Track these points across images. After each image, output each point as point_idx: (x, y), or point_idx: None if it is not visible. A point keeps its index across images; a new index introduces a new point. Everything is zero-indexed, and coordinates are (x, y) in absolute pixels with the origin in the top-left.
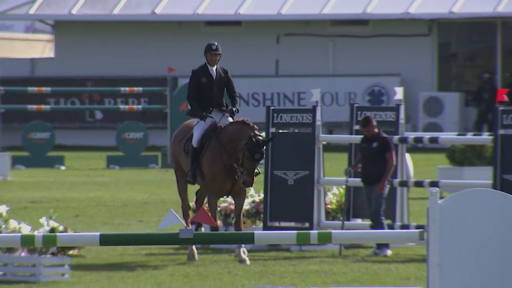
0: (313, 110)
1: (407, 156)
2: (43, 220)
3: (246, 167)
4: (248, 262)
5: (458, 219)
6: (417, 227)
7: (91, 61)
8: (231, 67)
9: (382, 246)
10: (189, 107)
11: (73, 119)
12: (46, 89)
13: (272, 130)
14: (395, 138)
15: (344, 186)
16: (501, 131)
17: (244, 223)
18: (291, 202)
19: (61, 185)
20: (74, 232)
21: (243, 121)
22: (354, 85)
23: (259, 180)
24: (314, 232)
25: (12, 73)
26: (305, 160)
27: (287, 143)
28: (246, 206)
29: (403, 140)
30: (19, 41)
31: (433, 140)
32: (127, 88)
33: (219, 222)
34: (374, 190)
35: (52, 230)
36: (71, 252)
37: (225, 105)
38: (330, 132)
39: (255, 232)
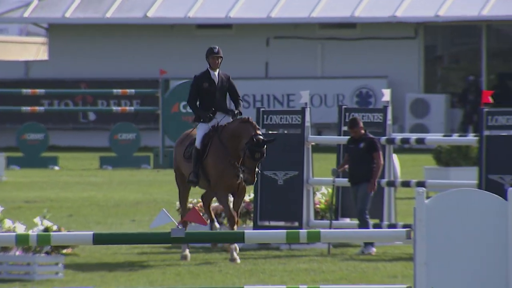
0: (302, 112)
1: (394, 157)
2: (37, 219)
3: (247, 166)
4: (238, 261)
5: (444, 218)
6: (404, 226)
7: (84, 64)
8: (222, 69)
9: (367, 244)
10: (193, 113)
11: (66, 120)
12: (40, 91)
13: (262, 131)
14: (383, 139)
15: (332, 186)
16: (486, 132)
17: (237, 222)
18: (281, 202)
19: (55, 185)
20: (68, 231)
21: (244, 119)
22: (342, 87)
23: None
24: (303, 231)
25: (6, 75)
26: (294, 160)
27: (276, 144)
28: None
29: (390, 141)
30: (13, 43)
31: (420, 141)
32: (119, 90)
33: (214, 222)
34: (360, 189)
35: (46, 229)
36: (65, 251)
37: (227, 109)
38: (319, 133)
39: (245, 231)
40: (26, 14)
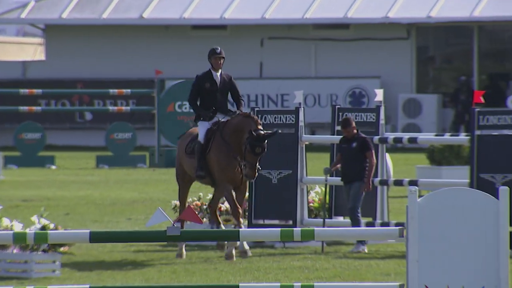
0: (296, 111)
1: (387, 156)
2: (34, 218)
3: (248, 161)
4: (250, 253)
5: (437, 216)
6: (397, 224)
7: (81, 64)
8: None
9: (358, 243)
10: (194, 112)
11: (63, 120)
12: (37, 91)
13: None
14: (376, 138)
15: (326, 186)
16: (478, 132)
17: (229, 221)
18: (275, 201)
19: (52, 184)
20: (65, 229)
21: (246, 114)
22: (335, 87)
23: None
24: (297, 229)
25: (4, 75)
26: (288, 159)
27: (271, 143)
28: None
29: (383, 140)
30: (11, 44)
31: (412, 140)
32: (115, 90)
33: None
34: (353, 188)
35: (43, 227)
36: (61, 249)
37: (228, 110)
38: (313, 133)
39: (240, 229)
40: (23, 15)
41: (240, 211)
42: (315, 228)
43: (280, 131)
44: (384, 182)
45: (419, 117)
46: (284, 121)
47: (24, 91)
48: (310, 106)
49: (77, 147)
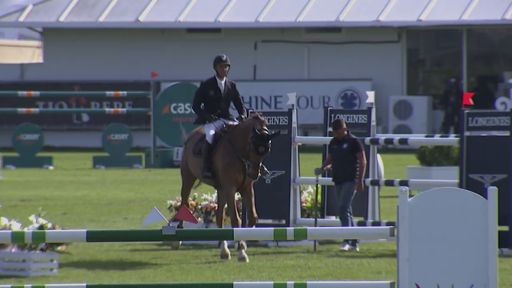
0: (289, 113)
1: (378, 157)
2: (32, 217)
3: (252, 160)
4: (247, 259)
5: (427, 216)
6: (388, 224)
7: (78, 66)
8: (211, 72)
9: (344, 241)
10: (196, 116)
11: (61, 121)
12: (35, 93)
13: None
14: (367, 139)
15: (317, 186)
16: (467, 133)
17: (224, 220)
18: (269, 200)
19: (49, 184)
20: (62, 229)
21: (254, 115)
22: (328, 89)
23: None
24: (290, 228)
25: (2, 78)
26: (281, 160)
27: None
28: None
29: (375, 141)
30: (9, 47)
31: (403, 141)
32: (112, 92)
33: (196, 218)
34: (343, 188)
35: (41, 227)
36: (59, 248)
37: (230, 115)
38: (305, 134)
39: (234, 229)
40: (21, 19)
41: (256, 215)
42: (308, 228)
43: (280, 132)
44: (375, 182)
45: (409, 119)
46: (278, 122)
47: (22, 93)
48: (303, 108)
49: (74, 148)
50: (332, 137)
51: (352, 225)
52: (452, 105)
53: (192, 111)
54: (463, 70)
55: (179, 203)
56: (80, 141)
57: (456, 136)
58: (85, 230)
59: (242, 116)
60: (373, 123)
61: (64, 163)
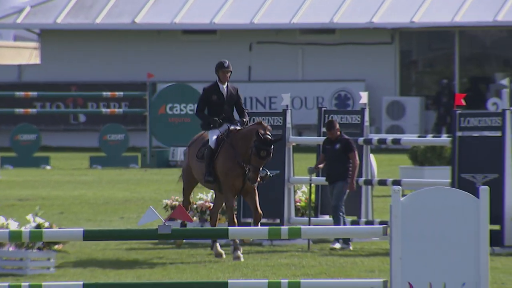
0: (283, 114)
1: (372, 157)
2: (29, 216)
3: (252, 164)
4: (242, 258)
5: (419, 215)
6: (381, 223)
7: (75, 67)
8: (206, 73)
9: (334, 239)
10: (200, 121)
11: (58, 122)
12: (32, 93)
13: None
14: (360, 139)
15: (311, 185)
16: (459, 133)
17: (219, 219)
18: (263, 200)
19: (46, 184)
20: (59, 228)
21: (258, 122)
22: (321, 90)
23: None
24: (284, 228)
25: (0, 78)
26: (276, 160)
27: None
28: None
29: (368, 141)
30: (7, 48)
31: (396, 141)
32: (108, 93)
33: (194, 218)
34: (336, 187)
35: (38, 226)
36: (56, 247)
37: (234, 120)
38: (300, 134)
39: (229, 228)
40: (19, 20)
41: (260, 212)
42: (302, 227)
43: (281, 138)
44: (368, 182)
45: (402, 119)
46: (272, 123)
47: (20, 94)
48: (297, 108)
49: (71, 148)
50: (325, 137)
51: (345, 224)
52: (445, 106)
53: (196, 116)
54: (455, 71)
55: (175, 203)
56: (77, 141)
57: (448, 136)
58: (81, 229)
59: (244, 120)
60: (367, 123)
61: (61, 163)
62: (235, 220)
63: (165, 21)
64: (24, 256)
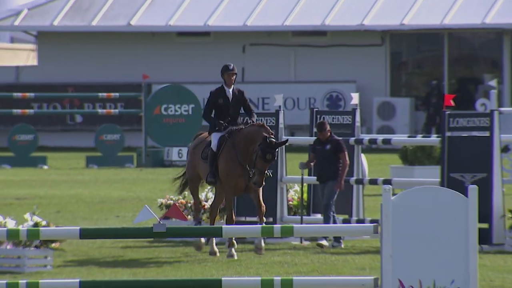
0: (276, 114)
1: (363, 156)
2: (27, 215)
3: (258, 167)
4: (263, 251)
5: (409, 214)
6: (372, 221)
7: (72, 69)
8: (201, 75)
9: (322, 238)
10: (208, 124)
11: (55, 122)
12: (30, 94)
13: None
14: (352, 139)
15: (302, 183)
16: (448, 133)
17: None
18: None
19: (43, 183)
20: (56, 226)
21: (259, 124)
22: (313, 91)
23: None
24: (277, 226)
25: None
26: None
27: None
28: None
29: (359, 141)
30: (4, 50)
31: (386, 141)
32: (104, 94)
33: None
34: (327, 187)
35: (36, 224)
36: (53, 245)
37: (240, 122)
38: (292, 134)
39: (223, 226)
40: (16, 23)
41: (264, 209)
42: (294, 225)
43: (287, 141)
44: (359, 181)
45: (392, 120)
46: (265, 123)
47: (17, 94)
48: (290, 109)
49: (68, 148)
50: (315, 137)
51: (335, 223)
52: (434, 106)
53: (203, 118)
54: (444, 72)
55: (169, 202)
56: (74, 141)
57: (437, 137)
58: (78, 227)
59: (253, 120)
60: (358, 123)
61: (58, 163)
62: (234, 218)
63: (160, 23)
64: (22, 254)
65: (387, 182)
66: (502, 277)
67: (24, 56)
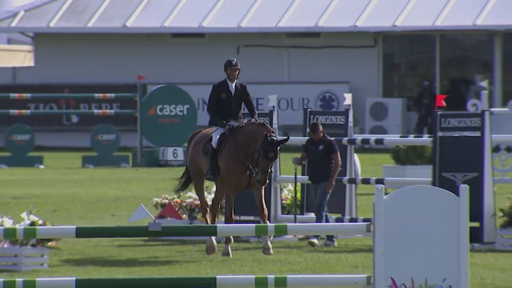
0: (270, 114)
1: (355, 156)
2: (24, 214)
3: (261, 166)
4: (271, 251)
5: (401, 213)
6: (364, 220)
7: (68, 70)
8: (196, 75)
9: (313, 236)
10: (209, 118)
11: (51, 122)
12: (26, 95)
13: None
14: (345, 139)
15: (296, 184)
16: (440, 134)
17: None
18: (251, 198)
19: (40, 183)
20: (52, 225)
21: (260, 122)
22: (307, 91)
23: None
24: (271, 225)
25: None
26: None
27: None
28: (208, 202)
29: (352, 141)
30: (2, 51)
31: (379, 141)
32: (100, 94)
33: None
34: (320, 187)
35: (32, 223)
36: (49, 243)
37: (242, 117)
38: (286, 134)
39: (217, 225)
40: (13, 24)
41: (266, 213)
42: (288, 224)
43: (288, 139)
44: (352, 181)
45: (385, 120)
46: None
47: (14, 95)
48: (283, 109)
49: (64, 148)
50: (308, 137)
51: (327, 222)
52: (426, 107)
53: (207, 112)
54: (436, 73)
55: (164, 201)
56: (70, 141)
57: (429, 137)
58: (74, 226)
59: (252, 120)
60: (351, 124)
61: (54, 162)
62: (233, 217)
63: (155, 25)
64: (19, 253)
65: (379, 181)
66: (493, 275)
67: (21, 57)
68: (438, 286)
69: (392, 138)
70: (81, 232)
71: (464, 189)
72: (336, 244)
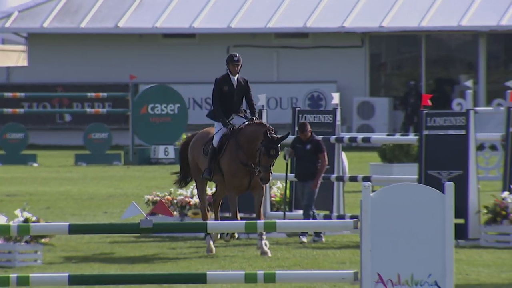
0: (259, 113)
1: (343, 154)
2: (17, 211)
3: (263, 164)
4: (269, 254)
5: (388, 210)
6: (352, 217)
7: (61, 70)
8: (186, 75)
9: (303, 233)
10: (213, 111)
11: (44, 121)
12: (20, 94)
13: None
14: (332, 138)
15: (286, 182)
16: (425, 132)
17: (197, 214)
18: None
19: (34, 180)
20: (46, 222)
21: (259, 122)
22: (296, 91)
23: None
24: (260, 222)
25: None
26: None
27: None
28: (197, 199)
29: (339, 139)
30: None
31: (366, 140)
32: (93, 94)
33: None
34: (307, 186)
35: (26, 220)
36: (43, 240)
37: (243, 111)
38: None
39: (208, 222)
40: (7, 25)
41: (261, 217)
42: (277, 221)
43: (288, 135)
44: (340, 178)
45: (372, 119)
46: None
47: (8, 94)
48: (273, 108)
49: (57, 146)
50: (295, 136)
51: (315, 219)
52: (412, 106)
53: (212, 105)
54: (422, 73)
55: (156, 198)
56: (63, 139)
57: (415, 135)
58: (67, 223)
59: (254, 118)
60: (338, 122)
61: (48, 161)
62: (238, 215)
63: (147, 25)
64: (12, 249)
65: (366, 179)
66: (477, 271)
67: (15, 57)
68: (424, 281)
69: (379, 137)
70: (74, 229)
71: (449, 186)
72: (324, 240)
